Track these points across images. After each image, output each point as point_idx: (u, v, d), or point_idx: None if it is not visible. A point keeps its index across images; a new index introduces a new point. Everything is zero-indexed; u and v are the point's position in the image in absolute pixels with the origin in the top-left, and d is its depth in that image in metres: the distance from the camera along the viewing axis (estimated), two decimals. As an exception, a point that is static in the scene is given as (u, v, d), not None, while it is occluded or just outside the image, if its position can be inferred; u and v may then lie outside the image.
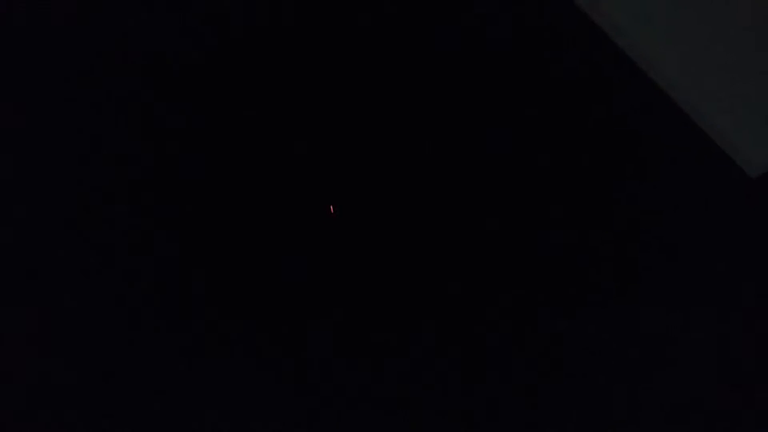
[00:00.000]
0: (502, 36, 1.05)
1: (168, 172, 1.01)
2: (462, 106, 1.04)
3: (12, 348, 0.95)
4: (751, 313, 0.98)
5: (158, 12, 1.05)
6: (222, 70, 1.05)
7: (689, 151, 1.02)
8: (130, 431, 0.93)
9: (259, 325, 0.97)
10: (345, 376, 0.96)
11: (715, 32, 1.01)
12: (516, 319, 0.98)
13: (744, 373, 0.96)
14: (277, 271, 0.99)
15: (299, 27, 1.06)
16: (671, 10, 1.02)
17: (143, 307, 0.97)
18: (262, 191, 1.01)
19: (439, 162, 1.03)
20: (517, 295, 0.99)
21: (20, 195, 0.99)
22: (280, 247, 0.99)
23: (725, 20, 1.01)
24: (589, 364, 0.97)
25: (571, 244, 1.00)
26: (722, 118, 0.99)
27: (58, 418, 0.94)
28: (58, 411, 0.94)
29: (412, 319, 0.98)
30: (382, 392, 0.96)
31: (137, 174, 1.01)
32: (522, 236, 1.00)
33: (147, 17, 1.05)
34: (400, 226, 1.01)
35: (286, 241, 0.99)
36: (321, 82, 1.05)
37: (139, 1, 1.05)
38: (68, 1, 1.05)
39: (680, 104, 1.01)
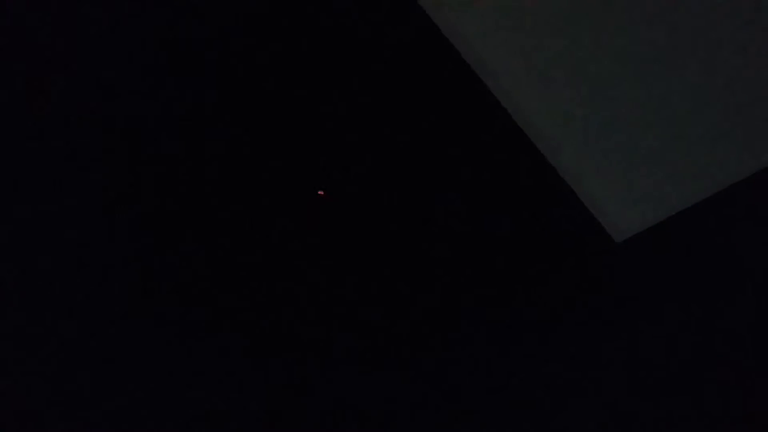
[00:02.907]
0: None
1: (165, 168, 1.01)
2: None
3: (11, 346, 0.96)
4: (616, 380, 0.99)
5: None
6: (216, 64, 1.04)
7: (561, 212, 1.01)
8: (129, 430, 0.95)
9: (251, 325, 0.98)
10: (342, 376, 0.98)
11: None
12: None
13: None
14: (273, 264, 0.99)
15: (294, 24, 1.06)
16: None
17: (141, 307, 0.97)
18: (257, 183, 1.01)
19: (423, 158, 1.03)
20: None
21: (21, 191, 1.00)
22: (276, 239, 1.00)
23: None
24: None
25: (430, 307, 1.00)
26: (590, 181, 0.97)
27: (58, 418, 0.95)
28: (57, 411, 0.95)
29: (405, 316, 0.99)
30: (379, 391, 0.97)
31: (133, 172, 1.01)
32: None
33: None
34: (393, 222, 1.01)
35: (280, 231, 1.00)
36: (314, 78, 1.05)
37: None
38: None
39: (554, 165, 0.98)
